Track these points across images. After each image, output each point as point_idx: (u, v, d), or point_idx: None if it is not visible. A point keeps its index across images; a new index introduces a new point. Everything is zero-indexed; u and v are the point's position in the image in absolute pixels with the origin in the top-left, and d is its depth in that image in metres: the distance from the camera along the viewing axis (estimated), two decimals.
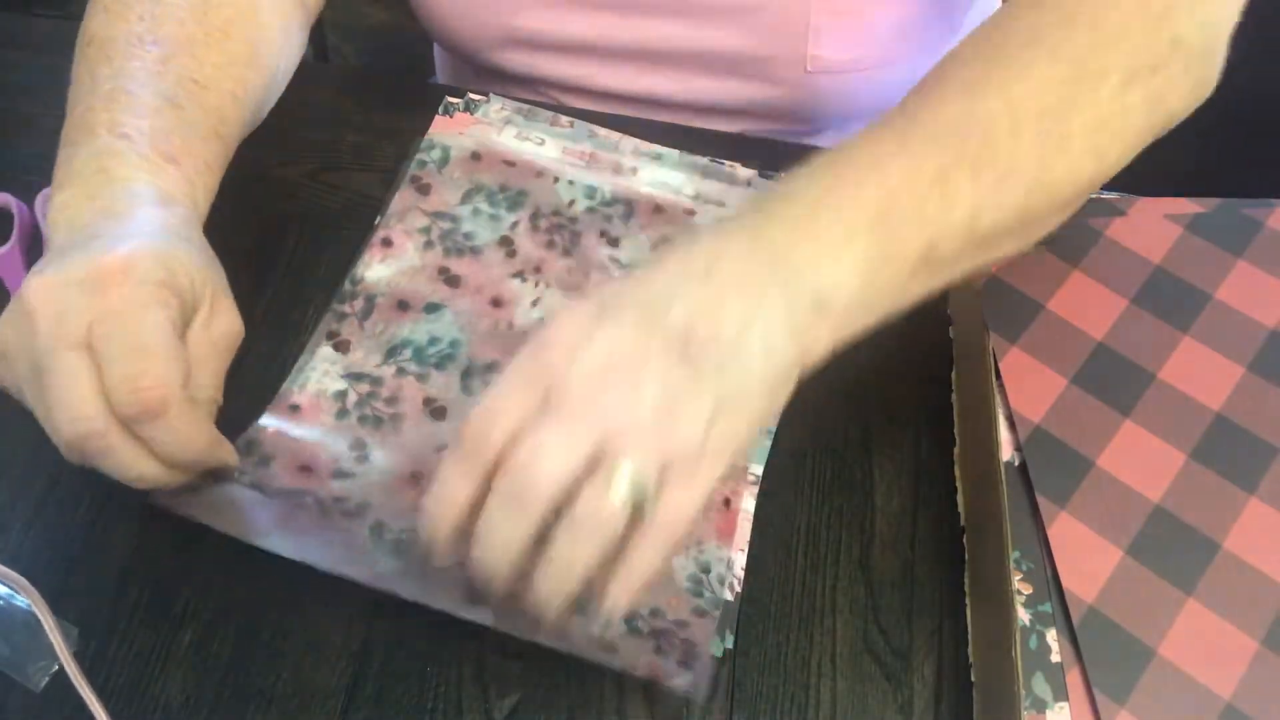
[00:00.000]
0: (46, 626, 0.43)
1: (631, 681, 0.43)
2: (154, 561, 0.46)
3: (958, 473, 0.49)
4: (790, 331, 0.36)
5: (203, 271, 0.42)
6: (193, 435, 0.40)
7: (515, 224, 0.56)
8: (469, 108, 0.60)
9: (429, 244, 0.55)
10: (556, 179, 0.57)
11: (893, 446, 0.50)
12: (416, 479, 0.48)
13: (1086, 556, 0.41)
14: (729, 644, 0.44)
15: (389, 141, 0.59)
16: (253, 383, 0.50)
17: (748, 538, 0.47)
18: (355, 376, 0.51)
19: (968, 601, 0.46)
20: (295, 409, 0.50)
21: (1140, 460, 0.43)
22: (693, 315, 0.34)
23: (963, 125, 0.39)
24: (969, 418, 0.49)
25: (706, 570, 0.46)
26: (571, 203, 0.57)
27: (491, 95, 0.61)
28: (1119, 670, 0.39)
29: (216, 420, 0.43)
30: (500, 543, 0.34)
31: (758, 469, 0.49)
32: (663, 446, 0.33)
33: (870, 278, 0.37)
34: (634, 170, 0.58)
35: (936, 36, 0.63)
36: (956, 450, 0.50)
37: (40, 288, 0.38)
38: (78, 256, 0.39)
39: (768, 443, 0.49)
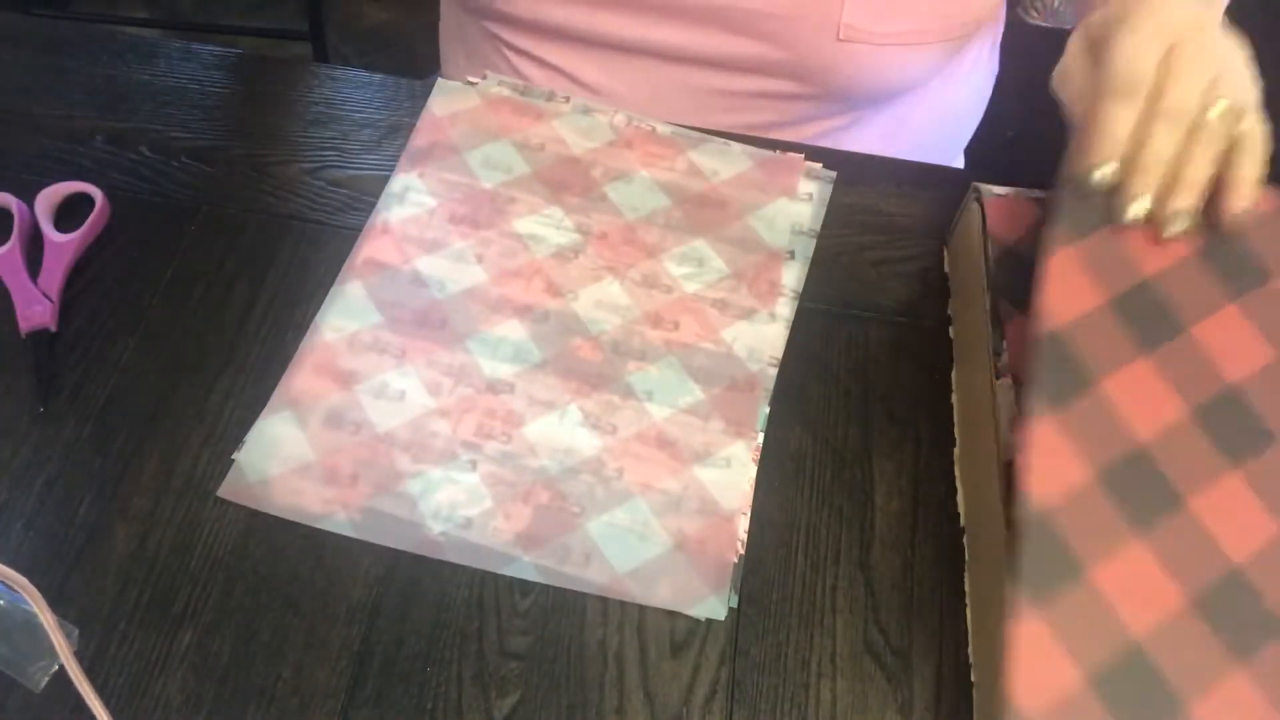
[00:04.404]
0: (47, 626, 0.43)
1: (632, 681, 0.44)
2: (154, 561, 0.46)
3: (958, 473, 0.49)
4: None
5: None
6: None
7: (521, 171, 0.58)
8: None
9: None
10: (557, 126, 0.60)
11: (893, 446, 0.50)
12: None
13: (1055, 464, 0.41)
14: (733, 603, 0.45)
15: (389, 141, 0.59)
16: (252, 381, 0.50)
17: (745, 532, 0.47)
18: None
19: (967, 602, 0.46)
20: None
21: (1141, 400, 0.43)
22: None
23: None
24: (969, 418, 0.49)
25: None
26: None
27: (488, 75, 0.62)
28: (1046, 574, 0.39)
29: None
30: (1156, 155, 0.44)
31: (759, 437, 0.50)
32: (1244, 96, 0.46)
33: None
34: (629, 144, 0.60)
35: (971, 18, 0.63)
36: (956, 450, 0.50)
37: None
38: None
39: (766, 409, 0.50)
